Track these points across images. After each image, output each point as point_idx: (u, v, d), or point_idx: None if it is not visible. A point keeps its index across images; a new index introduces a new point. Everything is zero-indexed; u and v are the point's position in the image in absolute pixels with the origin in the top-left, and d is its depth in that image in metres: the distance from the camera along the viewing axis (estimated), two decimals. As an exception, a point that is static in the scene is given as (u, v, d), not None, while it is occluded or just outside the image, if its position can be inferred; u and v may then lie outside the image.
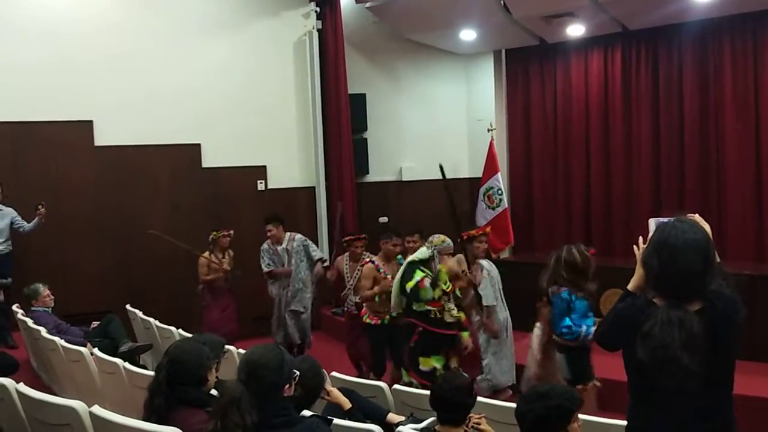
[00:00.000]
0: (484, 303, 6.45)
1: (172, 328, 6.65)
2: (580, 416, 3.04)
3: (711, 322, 2.42)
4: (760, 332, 6.25)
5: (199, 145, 9.34)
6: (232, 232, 8.35)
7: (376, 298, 6.64)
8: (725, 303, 2.47)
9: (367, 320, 6.84)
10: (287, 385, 2.84)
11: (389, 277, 6.58)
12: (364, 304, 6.92)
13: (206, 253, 8.15)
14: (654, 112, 9.61)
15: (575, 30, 9.53)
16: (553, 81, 10.54)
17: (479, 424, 3.54)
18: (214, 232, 8.25)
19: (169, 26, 9.21)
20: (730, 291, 2.51)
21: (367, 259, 7.01)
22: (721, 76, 9.03)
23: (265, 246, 8.16)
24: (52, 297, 7.31)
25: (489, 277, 6.52)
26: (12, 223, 7.95)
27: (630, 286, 2.66)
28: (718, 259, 2.57)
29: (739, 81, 8.92)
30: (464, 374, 3.75)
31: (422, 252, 5.91)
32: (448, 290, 5.80)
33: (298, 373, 2.93)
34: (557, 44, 10.24)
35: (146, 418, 3.17)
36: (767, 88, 8.72)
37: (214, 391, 3.38)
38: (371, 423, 3.57)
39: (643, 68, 9.68)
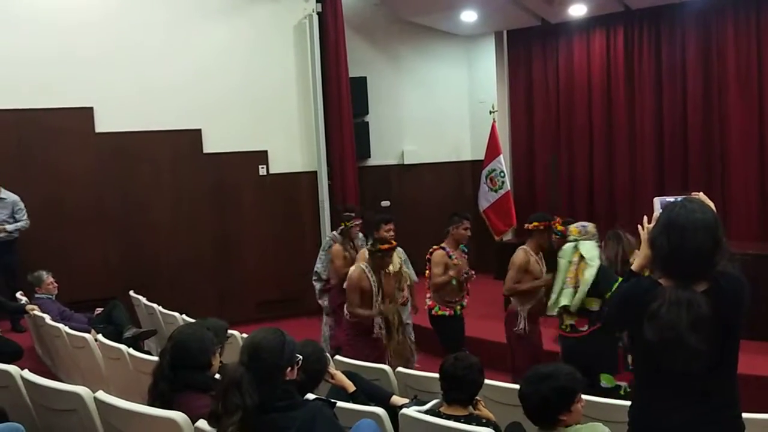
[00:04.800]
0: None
1: (176, 314, 6.66)
2: (584, 397, 3.05)
3: (718, 302, 2.41)
4: (764, 311, 6.24)
5: (200, 130, 9.30)
6: (361, 220, 7.35)
7: (453, 281, 6.20)
8: (732, 283, 2.45)
9: (440, 312, 6.26)
10: (289, 368, 2.85)
11: (461, 263, 6.24)
12: (428, 297, 6.36)
13: (337, 246, 7.10)
14: (657, 92, 9.56)
15: (577, 10, 9.49)
16: (555, 62, 10.49)
17: (477, 407, 3.56)
18: (345, 222, 7.16)
19: (169, 11, 9.14)
20: (735, 271, 2.49)
21: (437, 247, 6.31)
22: (724, 54, 8.97)
23: (337, 247, 7.04)
24: (56, 284, 7.32)
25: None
26: (13, 211, 7.93)
27: (634, 267, 2.64)
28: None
29: (742, 59, 8.86)
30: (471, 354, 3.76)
31: (593, 247, 5.36)
32: None
33: (300, 357, 2.93)
34: (559, 25, 10.18)
35: (151, 403, 3.18)
36: (770, 66, 8.68)
37: (218, 376, 3.38)
38: (375, 405, 3.58)
39: (645, 47, 9.62)
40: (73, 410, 3.34)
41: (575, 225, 5.53)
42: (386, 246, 5.89)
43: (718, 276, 2.45)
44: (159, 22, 9.07)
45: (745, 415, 2.59)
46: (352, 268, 6.07)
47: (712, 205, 2.59)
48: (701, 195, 2.67)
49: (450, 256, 6.22)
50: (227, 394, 2.70)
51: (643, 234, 2.62)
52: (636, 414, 2.65)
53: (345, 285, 6.08)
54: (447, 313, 6.26)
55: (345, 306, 6.06)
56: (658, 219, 2.55)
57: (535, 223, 6.02)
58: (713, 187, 8.94)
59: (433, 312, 6.33)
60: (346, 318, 6.03)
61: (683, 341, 2.35)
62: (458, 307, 6.30)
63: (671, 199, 2.62)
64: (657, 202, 2.67)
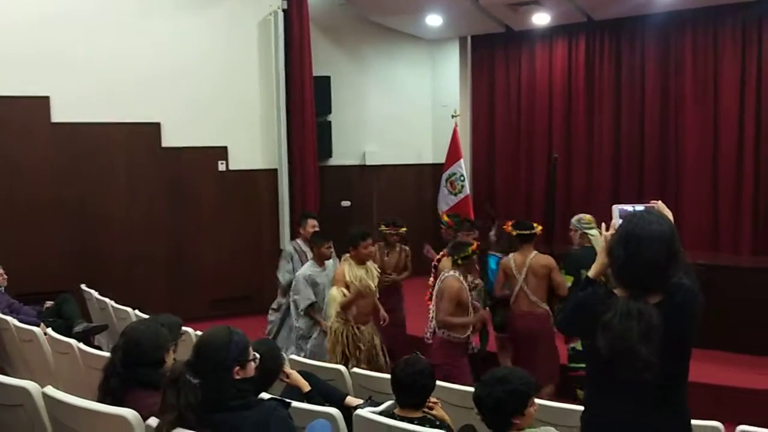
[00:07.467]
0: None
1: (128, 309, 6.53)
2: (537, 401, 3.08)
3: (670, 314, 2.44)
4: (714, 321, 6.36)
5: (158, 124, 9.16)
6: (405, 229, 7.15)
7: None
8: (685, 295, 2.48)
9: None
10: (238, 367, 2.78)
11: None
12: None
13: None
14: (616, 102, 9.74)
15: (540, 18, 9.61)
16: (517, 69, 10.60)
17: (432, 408, 3.56)
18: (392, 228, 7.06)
19: (131, 3, 8.99)
20: (690, 283, 2.51)
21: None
22: (682, 68, 9.18)
23: (290, 248, 7.14)
24: (5, 276, 7.16)
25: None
26: None
27: (591, 273, 2.64)
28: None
29: (699, 73, 9.07)
30: (423, 357, 3.76)
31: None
32: None
33: (257, 355, 2.89)
34: (523, 32, 10.29)
35: (101, 400, 3.12)
36: (726, 80, 8.89)
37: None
38: (330, 406, 3.56)
39: (606, 58, 9.79)
40: (20, 405, 3.27)
41: (587, 215, 6.00)
42: (470, 250, 5.60)
43: (672, 288, 2.47)
44: (121, 14, 8.90)
45: (693, 421, 2.64)
46: (447, 278, 5.56)
47: (670, 215, 2.63)
48: (660, 204, 2.71)
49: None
50: (165, 393, 2.67)
51: (601, 242, 2.65)
52: (588, 420, 2.68)
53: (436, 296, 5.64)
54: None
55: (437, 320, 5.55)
56: (618, 229, 2.58)
57: (540, 228, 6.09)
58: (667, 196, 9.10)
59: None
60: (443, 337, 5.53)
61: (634, 352, 2.38)
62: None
63: (629, 207, 2.65)
64: (615, 210, 2.69)
